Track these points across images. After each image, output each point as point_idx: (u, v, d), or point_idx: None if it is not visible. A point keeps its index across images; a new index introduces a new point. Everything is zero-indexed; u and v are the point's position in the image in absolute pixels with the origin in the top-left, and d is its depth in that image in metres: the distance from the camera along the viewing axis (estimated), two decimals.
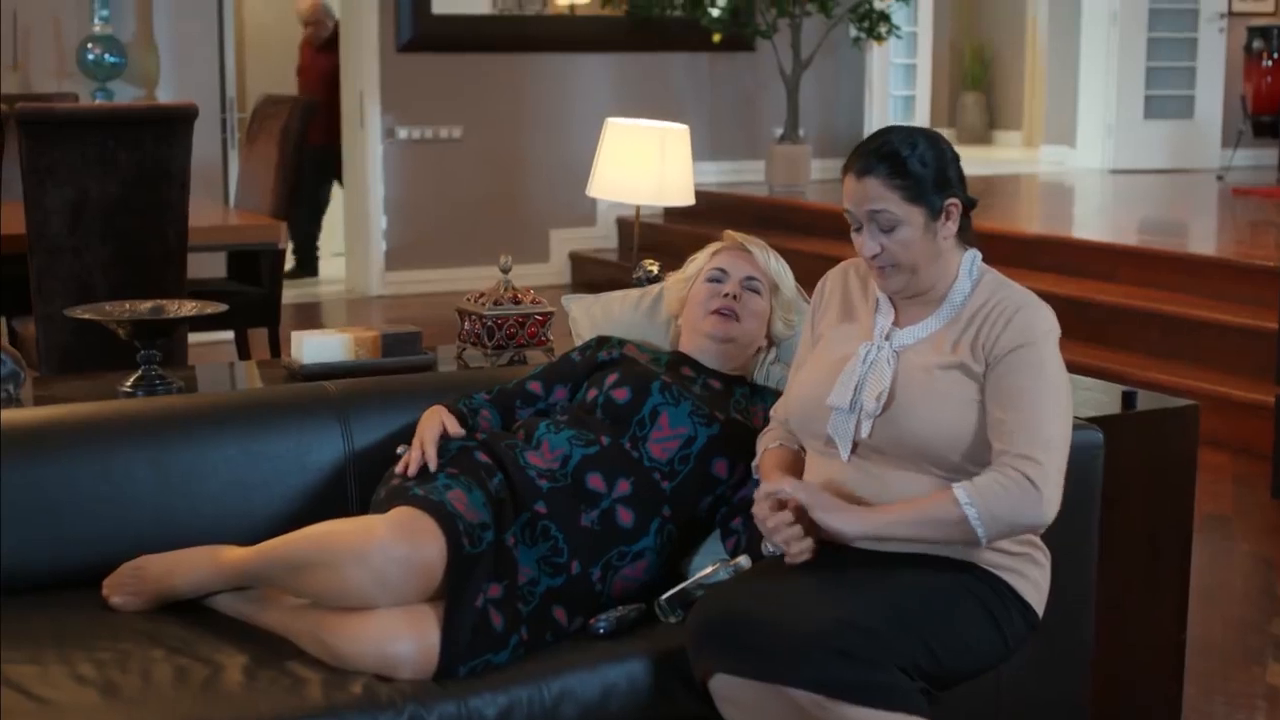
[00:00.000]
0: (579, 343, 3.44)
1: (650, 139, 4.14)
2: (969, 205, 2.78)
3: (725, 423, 3.07)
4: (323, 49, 10.37)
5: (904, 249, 2.72)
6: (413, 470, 2.94)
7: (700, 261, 3.33)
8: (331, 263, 10.90)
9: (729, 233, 3.37)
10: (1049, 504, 2.60)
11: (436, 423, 3.05)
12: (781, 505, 2.69)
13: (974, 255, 2.83)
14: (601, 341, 3.33)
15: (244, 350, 6.24)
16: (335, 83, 10.10)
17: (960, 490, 2.59)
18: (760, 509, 2.71)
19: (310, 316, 9.19)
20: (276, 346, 6.14)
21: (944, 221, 2.74)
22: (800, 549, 2.67)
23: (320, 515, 2.98)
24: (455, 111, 10.06)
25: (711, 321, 3.21)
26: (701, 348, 3.24)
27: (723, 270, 3.26)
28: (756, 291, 3.25)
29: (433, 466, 2.95)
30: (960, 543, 2.64)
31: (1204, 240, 8.73)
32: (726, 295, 3.22)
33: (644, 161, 4.13)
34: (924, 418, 2.69)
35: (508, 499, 2.91)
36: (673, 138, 4.14)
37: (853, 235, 2.77)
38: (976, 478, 2.61)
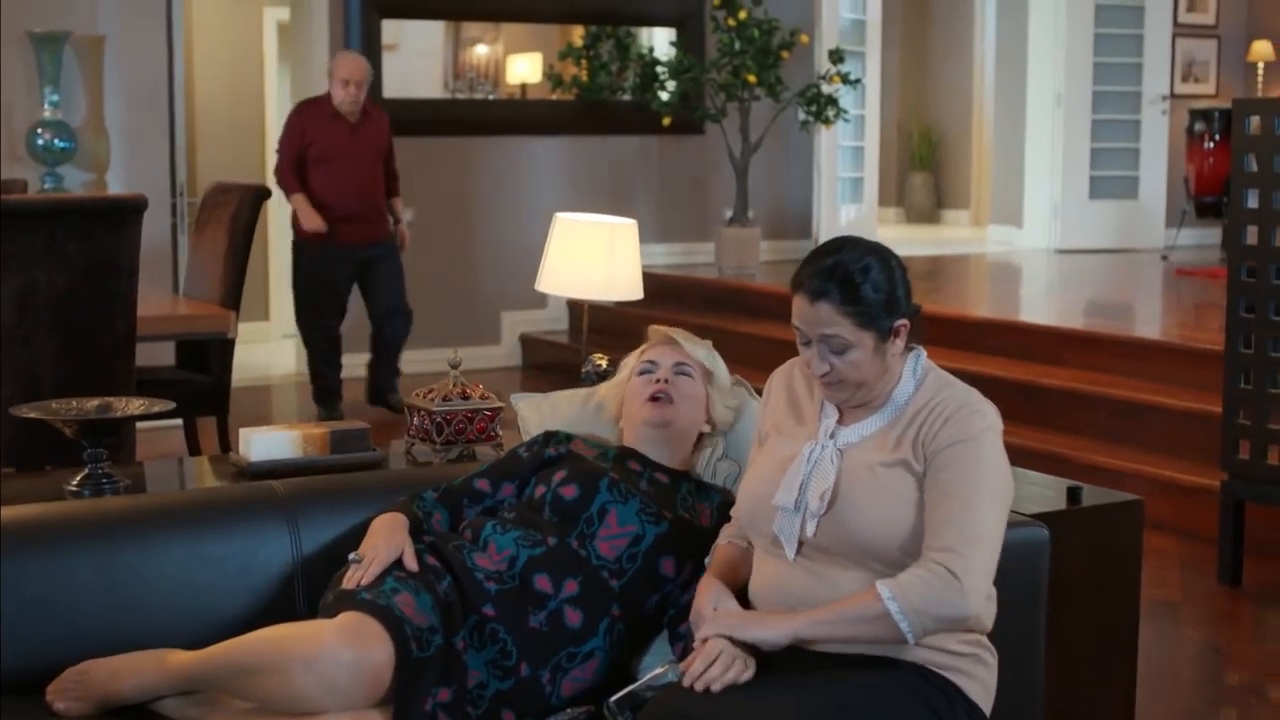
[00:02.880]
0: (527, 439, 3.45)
1: (599, 234, 4.17)
2: (914, 315, 2.80)
3: (674, 521, 3.08)
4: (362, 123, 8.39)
5: (854, 369, 2.74)
6: (364, 582, 2.92)
7: (631, 363, 3.37)
8: (281, 346, 10.88)
9: (654, 328, 3.40)
10: (972, 596, 2.61)
11: (395, 546, 2.99)
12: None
13: (918, 354, 2.85)
14: (549, 436, 3.33)
15: (192, 440, 6.20)
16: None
17: (883, 586, 2.61)
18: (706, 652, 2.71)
19: (260, 401, 9.16)
20: (226, 436, 6.12)
21: (893, 341, 2.76)
22: (739, 672, 2.66)
23: (268, 618, 2.98)
24: (406, 194, 10.03)
25: (647, 409, 3.23)
26: (643, 438, 3.25)
27: (652, 362, 3.29)
28: (689, 375, 3.26)
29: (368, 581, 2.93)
30: (890, 640, 2.64)
31: (1150, 323, 8.81)
32: (659, 382, 3.24)
33: (592, 256, 4.16)
34: (868, 515, 2.71)
35: (456, 602, 2.91)
36: (621, 233, 4.18)
37: (800, 347, 2.78)
38: (900, 574, 2.63)
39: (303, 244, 8.33)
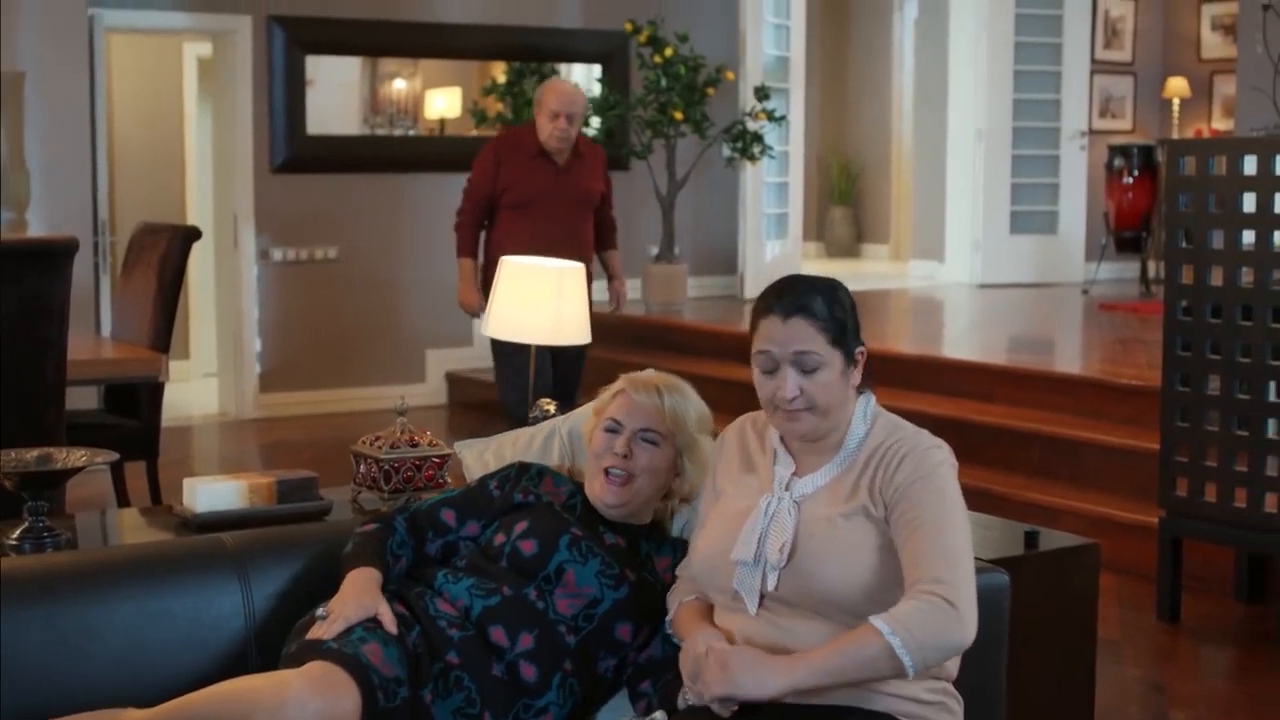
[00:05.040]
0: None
1: (547, 279, 4.13)
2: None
3: (635, 584, 3.02)
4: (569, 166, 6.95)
5: (823, 390, 2.74)
6: (327, 637, 2.85)
7: (604, 400, 3.24)
8: (203, 385, 10.76)
9: (625, 377, 3.24)
10: (968, 622, 2.60)
11: (363, 608, 2.89)
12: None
13: (868, 398, 2.86)
14: (522, 471, 3.22)
15: (120, 487, 6.06)
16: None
17: (881, 622, 2.56)
18: (691, 665, 2.68)
19: (184, 443, 9.03)
20: (156, 481, 6.01)
21: (855, 369, 2.78)
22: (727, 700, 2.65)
23: (221, 674, 2.91)
24: (330, 232, 10.01)
25: (600, 485, 3.11)
26: (600, 506, 3.15)
27: (617, 422, 3.14)
28: (654, 444, 3.12)
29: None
30: (888, 677, 2.61)
31: (1079, 359, 8.85)
32: (617, 454, 3.10)
33: (540, 301, 4.12)
34: (832, 569, 2.69)
35: (424, 652, 2.86)
36: (569, 277, 4.14)
37: (760, 378, 2.76)
38: (894, 608, 2.60)
39: None
